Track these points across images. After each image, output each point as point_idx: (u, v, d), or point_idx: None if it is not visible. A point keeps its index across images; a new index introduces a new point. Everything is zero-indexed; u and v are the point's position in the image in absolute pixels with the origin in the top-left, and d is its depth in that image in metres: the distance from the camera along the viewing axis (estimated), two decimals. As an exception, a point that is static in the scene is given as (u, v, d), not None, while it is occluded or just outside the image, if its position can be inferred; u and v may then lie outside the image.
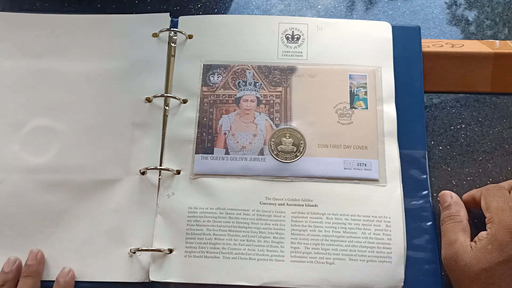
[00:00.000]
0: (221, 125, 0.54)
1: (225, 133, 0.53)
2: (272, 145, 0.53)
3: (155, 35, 0.58)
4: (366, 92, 0.55)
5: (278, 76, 0.56)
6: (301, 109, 0.54)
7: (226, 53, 0.57)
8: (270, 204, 0.51)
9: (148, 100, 0.55)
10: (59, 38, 0.58)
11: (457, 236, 0.47)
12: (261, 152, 0.53)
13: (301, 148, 0.53)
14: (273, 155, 0.52)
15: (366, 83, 0.55)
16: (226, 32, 0.58)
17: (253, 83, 0.55)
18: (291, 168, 0.52)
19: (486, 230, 0.46)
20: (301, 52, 0.57)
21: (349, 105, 0.54)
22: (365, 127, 0.53)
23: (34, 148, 0.54)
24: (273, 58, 0.57)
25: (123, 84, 0.56)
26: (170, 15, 0.59)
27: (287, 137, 0.53)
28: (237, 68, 0.56)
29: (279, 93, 0.55)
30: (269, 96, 0.55)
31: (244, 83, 0.55)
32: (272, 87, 0.55)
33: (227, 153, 0.53)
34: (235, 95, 0.55)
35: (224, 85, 0.55)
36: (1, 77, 0.57)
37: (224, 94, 0.55)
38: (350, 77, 0.55)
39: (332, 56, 0.57)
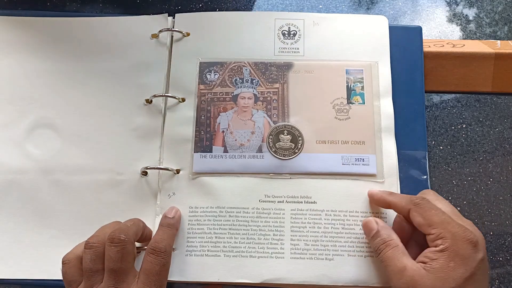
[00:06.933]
0: (219, 123, 0.55)
1: (223, 131, 0.55)
2: (270, 142, 0.54)
3: (154, 35, 0.59)
4: (363, 87, 0.56)
5: (275, 72, 0.57)
6: (298, 105, 0.56)
7: (222, 50, 0.58)
8: (269, 201, 0.53)
9: (148, 101, 0.57)
10: (59, 40, 0.60)
11: (403, 262, 0.44)
12: (260, 150, 0.54)
13: (299, 144, 0.54)
14: (272, 152, 0.54)
15: (362, 78, 0.56)
16: (223, 29, 0.59)
17: (250, 80, 0.57)
18: (290, 164, 0.54)
19: (428, 247, 0.44)
20: (298, 48, 0.58)
21: (346, 100, 0.56)
22: (362, 122, 0.55)
23: (34, 148, 0.56)
24: (269, 55, 0.58)
25: (123, 85, 0.58)
26: (169, 15, 0.61)
27: (285, 134, 0.54)
28: (233, 65, 0.57)
29: (276, 90, 0.56)
30: (266, 93, 0.56)
31: (241, 80, 0.57)
32: (269, 84, 0.57)
33: (225, 151, 0.54)
34: (232, 92, 0.56)
35: (221, 82, 0.57)
36: (1, 77, 0.59)
37: (221, 92, 0.56)
38: (347, 72, 0.57)
39: (328, 52, 0.58)
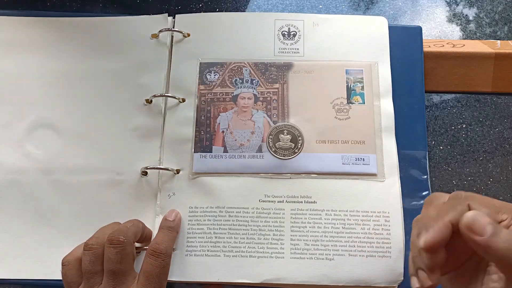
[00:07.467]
0: (219, 123, 0.56)
1: (223, 131, 0.55)
2: (270, 142, 0.54)
3: (154, 35, 0.59)
4: (362, 87, 0.56)
5: (275, 72, 0.57)
6: (298, 105, 0.56)
7: (222, 51, 0.59)
8: (269, 201, 0.53)
9: (148, 101, 0.57)
10: (59, 40, 0.60)
11: None
12: (260, 150, 0.54)
13: (299, 144, 0.54)
14: (271, 152, 0.54)
15: (362, 78, 0.57)
16: (223, 29, 0.59)
17: (250, 80, 0.57)
18: (290, 164, 0.54)
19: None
20: (298, 49, 0.58)
21: (346, 100, 0.56)
22: (362, 122, 0.55)
23: (34, 148, 0.56)
24: (269, 55, 0.58)
25: (123, 85, 0.58)
26: (169, 15, 0.61)
27: (285, 133, 0.55)
28: (233, 65, 0.58)
29: (276, 90, 0.56)
30: (266, 93, 0.56)
31: (241, 81, 0.57)
32: (269, 84, 0.57)
33: (225, 151, 0.54)
34: (232, 93, 0.57)
35: (221, 83, 0.57)
36: (1, 77, 0.59)
37: (221, 92, 0.57)
38: (347, 72, 0.57)
39: (328, 52, 0.58)
